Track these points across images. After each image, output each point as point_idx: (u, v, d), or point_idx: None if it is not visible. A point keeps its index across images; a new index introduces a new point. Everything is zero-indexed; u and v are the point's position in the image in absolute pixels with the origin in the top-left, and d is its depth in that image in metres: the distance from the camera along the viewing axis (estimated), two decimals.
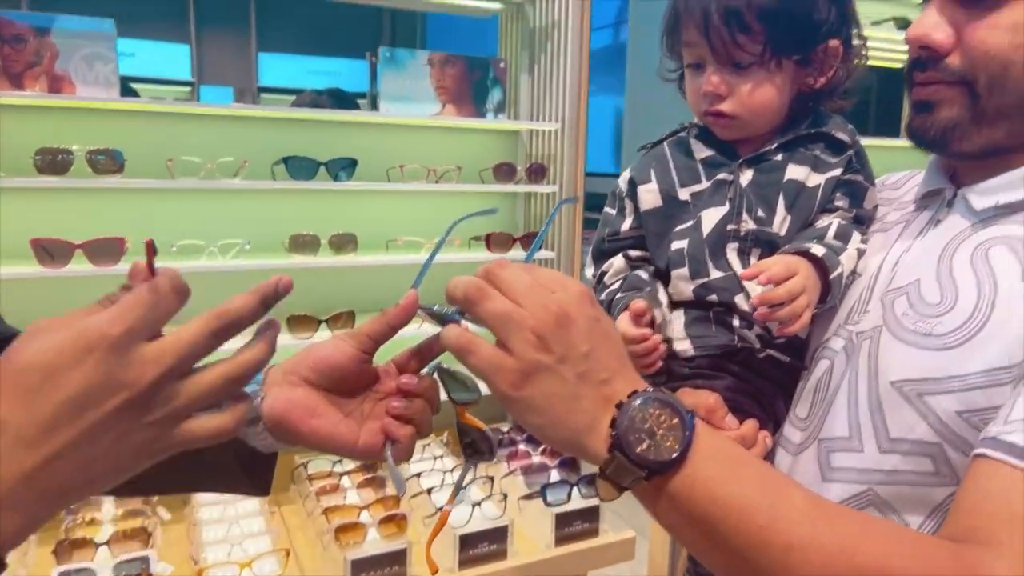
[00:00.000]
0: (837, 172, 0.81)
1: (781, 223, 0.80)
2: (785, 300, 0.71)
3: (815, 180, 0.80)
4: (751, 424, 0.75)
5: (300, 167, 1.77)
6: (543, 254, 2.14)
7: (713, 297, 0.80)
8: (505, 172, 2.07)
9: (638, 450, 0.48)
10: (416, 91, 2.00)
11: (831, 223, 0.79)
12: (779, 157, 0.81)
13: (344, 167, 1.87)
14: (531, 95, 2.23)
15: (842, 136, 0.82)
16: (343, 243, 1.88)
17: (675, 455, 0.48)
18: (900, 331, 0.67)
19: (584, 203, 3.97)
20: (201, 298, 0.51)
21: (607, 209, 0.94)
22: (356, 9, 2.05)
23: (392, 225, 2.05)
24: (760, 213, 0.80)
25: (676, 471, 0.49)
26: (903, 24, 2.53)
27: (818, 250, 0.74)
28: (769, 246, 0.80)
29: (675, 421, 0.49)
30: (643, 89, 3.52)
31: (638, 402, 0.50)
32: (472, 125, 2.12)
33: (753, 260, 0.79)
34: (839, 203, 0.81)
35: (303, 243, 1.81)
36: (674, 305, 0.83)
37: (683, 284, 0.81)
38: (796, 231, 0.80)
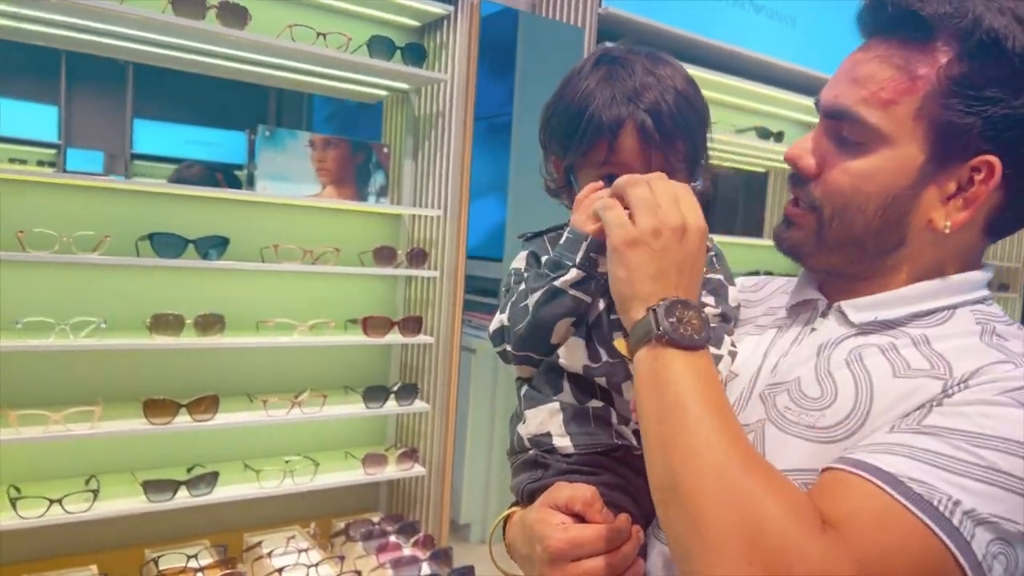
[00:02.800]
0: None
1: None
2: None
3: None
4: (624, 518, 0.75)
5: (167, 244, 1.69)
6: (422, 338, 2.12)
7: (602, 381, 0.80)
8: (385, 255, 2.06)
9: (668, 322, 0.63)
10: (296, 171, 1.98)
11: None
12: None
13: (215, 245, 1.80)
14: (415, 180, 2.26)
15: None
16: (209, 324, 1.79)
17: (688, 341, 0.62)
18: (784, 424, 0.69)
19: (465, 286, 3.99)
20: (48, 377, 0.46)
21: (509, 287, 0.91)
22: (241, 82, 2.04)
23: (264, 306, 1.98)
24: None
25: (672, 347, 0.62)
26: (763, 133, 2.78)
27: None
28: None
29: (700, 328, 0.64)
30: (525, 175, 3.64)
31: (681, 305, 0.64)
32: (353, 208, 2.11)
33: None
34: (706, 300, 0.84)
35: (166, 323, 1.71)
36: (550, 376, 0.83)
37: (577, 355, 0.81)
38: None
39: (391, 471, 2.11)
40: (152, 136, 5.81)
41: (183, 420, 1.75)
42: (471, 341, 3.63)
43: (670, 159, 0.80)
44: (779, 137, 2.83)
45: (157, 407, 1.68)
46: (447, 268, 2.13)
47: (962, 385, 0.62)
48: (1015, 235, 3.79)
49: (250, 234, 1.94)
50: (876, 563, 0.54)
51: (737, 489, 0.57)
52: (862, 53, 0.70)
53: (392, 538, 2.07)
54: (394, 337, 2.07)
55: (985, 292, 0.73)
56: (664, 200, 0.66)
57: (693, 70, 2.42)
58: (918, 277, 0.71)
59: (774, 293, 0.90)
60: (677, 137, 0.79)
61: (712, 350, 0.77)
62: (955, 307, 0.70)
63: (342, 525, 2.07)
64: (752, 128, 2.79)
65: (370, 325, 2.00)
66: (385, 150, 2.14)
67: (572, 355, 0.81)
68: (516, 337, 0.82)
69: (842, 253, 0.72)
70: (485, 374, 3.61)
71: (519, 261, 0.91)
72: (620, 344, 0.71)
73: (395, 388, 2.09)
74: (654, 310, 0.64)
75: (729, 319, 0.86)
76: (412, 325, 2.09)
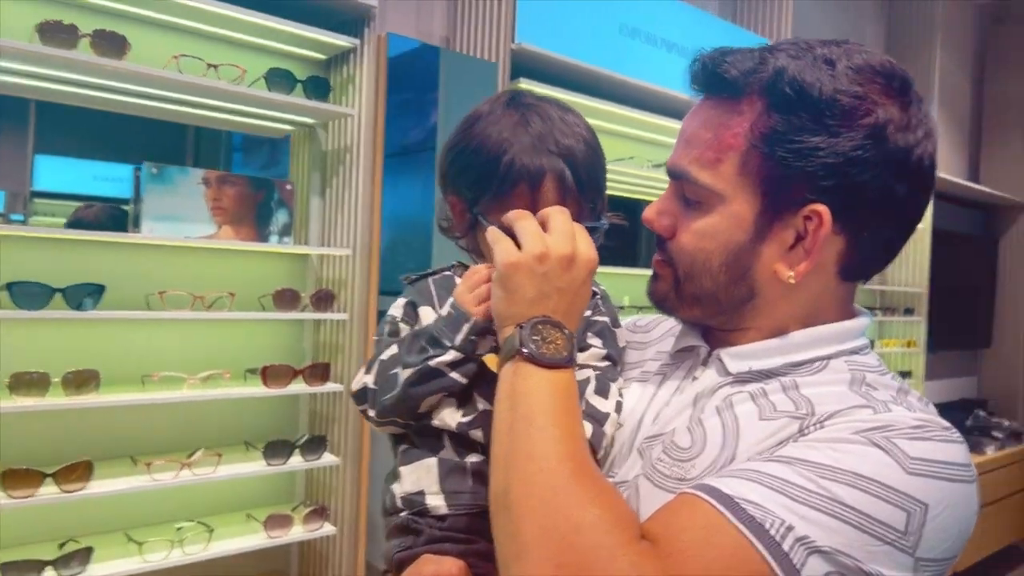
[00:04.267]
0: (587, 313, 0.83)
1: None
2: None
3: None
4: None
5: (28, 295, 1.52)
6: (330, 386, 1.98)
7: (478, 434, 0.76)
8: (287, 299, 1.92)
9: (530, 340, 0.65)
10: (187, 210, 1.83)
11: (588, 377, 0.79)
12: None
13: (89, 293, 1.63)
14: (323, 218, 2.14)
15: (592, 287, 0.83)
16: (82, 381, 1.61)
17: (548, 359, 0.65)
18: (657, 477, 0.69)
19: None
20: None
21: (383, 335, 0.87)
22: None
23: (149, 359, 1.81)
24: None
25: (531, 363, 0.65)
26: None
27: (586, 431, 0.73)
28: None
29: (563, 347, 0.66)
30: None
31: (549, 325, 0.67)
32: (253, 249, 1.97)
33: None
34: (592, 342, 0.83)
35: (28, 382, 1.53)
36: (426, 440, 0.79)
37: (449, 415, 0.77)
38: None
39: (298, 532, 1.95)
40: (56, 173, 5.50)
41: (50, 491, 1.56)
42: None
43: (582, 207, 0.80)
44: None
45: (17, 478, 1.49)
46: (357, 310, 2.01)
47: (818, 424, 0.62)
48: (917, 259, 3.92)
49: (133, 280, 1.78)
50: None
51: (561, 494, 0.57)
52: (692, 115, 0.73)
53: None
54: (299, 386, 1.93)
55: (861, 342, 0.73)
56: (556, 230, 0.69)
57: (607, 106, 2.38)
58: (781, 326, 0.72)
59: (664, 336, 0.89)
60: (589, 185, 0.80)
61: (597, 401, 0.78)
62: (830, 357, 0.71)
63: None
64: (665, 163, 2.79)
65: (270, 375, 1.85)
66: (288, 187, 2.02)
67: (447, 418, 0.77)
68: (381, 405, 0.77)
69: (700, 307, 0.74)
70: None
71: (396, 308, 0.86)
72: (491, 360, 0.73)
73: (300, 441, 1.94)
74: (520, 327, 0.66)
75: (616, 362, 0.85)
76: (318, 372, 1.95)
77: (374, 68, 2.00)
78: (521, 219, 0.70)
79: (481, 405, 0.76)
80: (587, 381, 0.79)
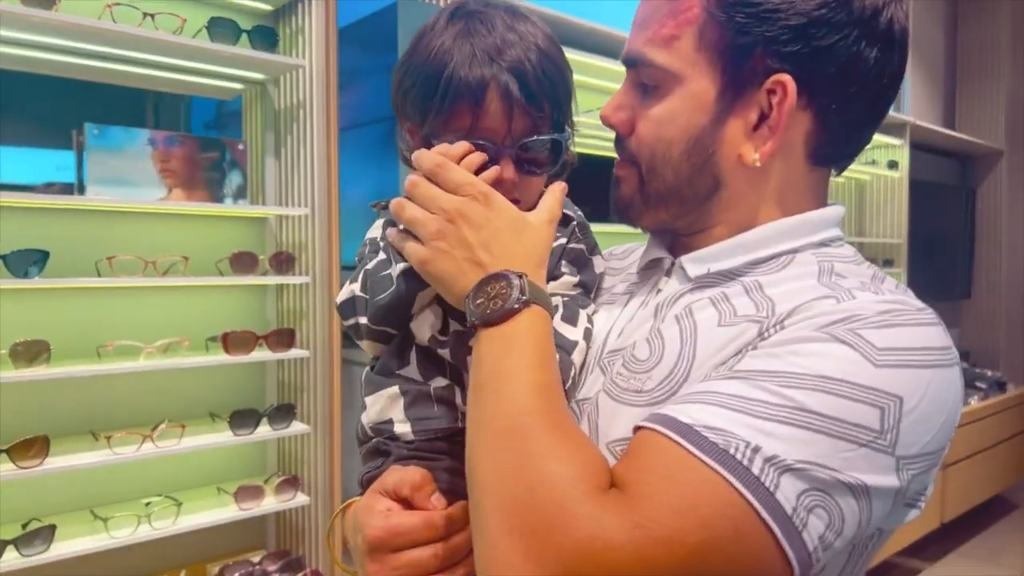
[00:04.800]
0: (562, 241, 0.80)
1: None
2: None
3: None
4: (461, 505, 0.67)
5: None
6: (295, 352, 1.92)
7: (446, 354, 0.74)
8: (245, 262, 1.85)
9: (476, 307, 0.62)
10: (135, 174, 1.75)
11: (556, 304, 0.76)
12: None
13: (34, 261, 1.56)
14: (278, 179, 2.06)
15: (567, 211, 0.81)
16: (33, 353, 1.54)
17: (496, 315, 0.60)
18: (616, 391, 0.66)
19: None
20: None
21: (364, 257, 0.82)
22: (122, 94, 1.82)
23: (102, 328, 1.74)
24: None
25: (484, 327, 0.61)
26: None
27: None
28: None
29: (508, 295, 0.61)
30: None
31: (490, 280, 0.62)
32: (207, 211, 1.89)
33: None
34: (564, 270, 0.80)
35: None
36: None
37: (428, 325, 0.75)
38: None
39: (270, 503, 1.89)
40: (16, 164, 5.34)
41: (7, 468, 1.49)
42: (365, 355, 3.43)
43: (536, 122, 0.72)
44: None
45: None
46: (319, 272, 1.94)
47: (778, 326, 0.58)
48: (896, 209, 3.89)
49: (81, 247, 1.70)
50: (661, 524, 0.48)
51: (520, 454, 0.53)
52: None
53: None
54: (263, 353, 1.86)
55: (832, 232, 0.68)
56: (450, 181, 0.65)
57: (578, 55, 2.29)
58: (749, 220, 0.67)
59: (633, 257, 0.85)
60: (542, 98, 0.72)
61: (565, 329, 0.74)
62: (796, 251, 0.66)
63: (216, 570, 1.84)
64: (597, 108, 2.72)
65: (231, 342, 1.78)
66: (240, 147, 1.94)
67: (423, 325, 0.74)
68: (375, 308, 0.74)
69: (665, 207, 0.69)
70: None
71: (374, 230, 0.83)
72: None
73: (268, 411, 1.87)
74: (467, 299, 0.63)
75: (589, 288, 0.82)
76: (282, 338, 1.88)
77: (324, 17, 1.91)
78: (400, 210, 0.66)
79: (453, 327, 0.73)
80: (555, 308, 0.75)
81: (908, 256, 3.93)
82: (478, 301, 0.61)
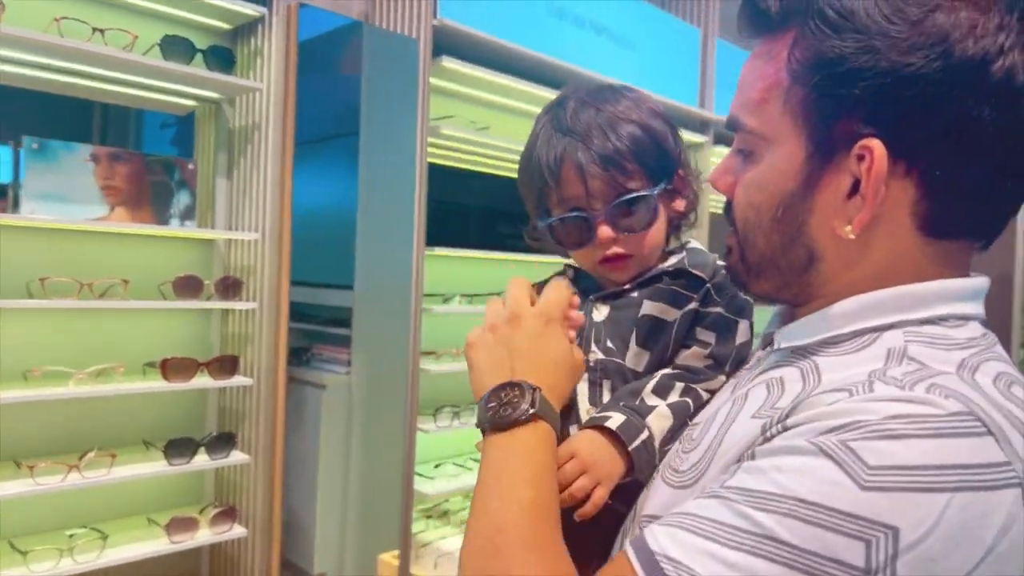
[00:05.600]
0: (694, 306, 0.80)
1: (635, 357, 0.80)
2: (563, 484, 0.69)
3: (672, 315, 0.80)
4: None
5: None
6: (238, 380, 1.86)
7: None
8: (189, 286, 1.79)
9: (487, 409, 0.65)
10: (75, 190, 1.68)
11: (656, 377, 0.78)
12: (635, 294, 0.81)
13: None
14: (229, 201, 2.01)
15: (697, 272, 0.81)
16: None
17: (505, 422, 0.64)
18: (663, 466, 0.67)
19: (311, 317, 3.69)
20: None
21: None
22: (67, 104, 1.75)
23: (30, 352, 1.66)
24: (610, 344, 0.80)
25: (491, 433, 0.64)
26: None
27: (614, 421, 0.73)
28: (620, 377, 0.80)
29: (519, 404, 0.64)
30: (374, 194, 3.44)
31: (508, 387, 0.66)
32: (151, 232, 1.83)
33: (605, 391, 0.79)
34: (703, 337, 0.80)
35: None
36: None
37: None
38: (655, 365, 0.80)
39: (205, 535, 1.83)
40: None
41: None
42: (322, 376, 3.36)
43: (619, 184, 0.77)
44: None
45: None
46: (267, 298, 1.89)
47: (779, 426, 0.52)
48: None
49: (12, 266, 1.62)
50: None
51: (491, 569, 0.55)
52: (746, 61, 0.64)
53: None
54: (203, 380, 1.80)
55: (948, 309, 0.56)
56: (507, 296, 0.72)
57: (532, 87, 2.29)
58: (851, 296, 0.59)
59: None
60: (622, 161, 0.76)
61: (649, 398, 0.75)
62: (883, 329, 0.56)
63: None
64: None
65: (171, 368, 1.72)
66: (191, 167, 1.88)
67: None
68: None
69: (765, 277, 0.64)
70: (337, 411, 3.34)
71: None
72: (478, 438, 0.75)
73: (206, 439, 1.81)
74: (481, 400, 0.66)
75: (722, 358, 0.80)
76: (225, 365, 1.83)
77: (284, 40, 1.88)
78: (488, 304, 0.75)
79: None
80: (649, 381, 0.77)
81: None
82: (491, 404, 0.65)
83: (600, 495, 0.70)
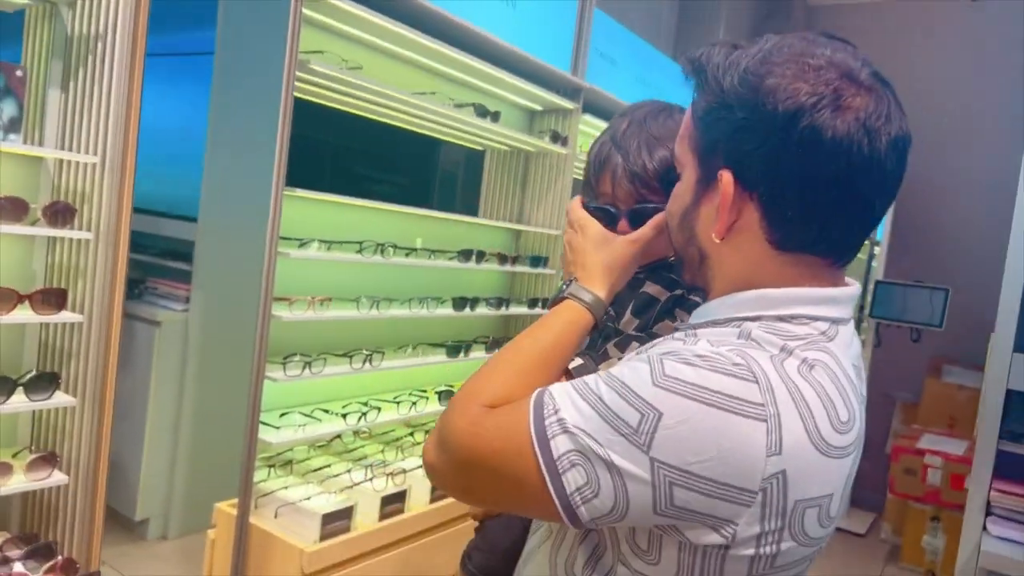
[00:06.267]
0: (680, 292, 1.01)
1: (627, 323, 1.01)
2: None
3: (663, 296, 1.01)
4: None
5: None
6: (66, 315, 1.70)
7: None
8: (12, 208, 1.60)
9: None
10: None
11: (622, 335, 1.00)
12: (641, 275, 1.02)
13: None
14: (62, 116, 1.79)
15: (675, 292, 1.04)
16: None
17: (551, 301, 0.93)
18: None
19: (151, 248, 3.43)
20: None
21: None
22: None
23: None
24: (612, 311, 1.00)
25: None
26: (481, 111, 2.72)
27: (575, 363, 0.94)
28: (616, 334, 1.01)
29: (558, 295, 0.93)
30: (227, 120, 3.20)
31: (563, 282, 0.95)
32: None
33: (609, 345, 1.00)
34: (679, 316, 1.00)
35: None
36: None
37: None
38: (640, 330, 1.01)
39: (19, 482, 1.67)
40: None
41: None
42: (156, 312, 3.13)
43: (642, 193, 0.99)
44: (495, 117, 2.79)
45: None
46: (105, 229, 1.73)
47: (645, 350, 0.75)
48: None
49: None
50: (486, 429, 0.73)
51: (479, 372, 0.82)
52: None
53: (18, 565, 1.65)
54: (25, 314, 1.62)
55: (800, 310, 0.73)
56: (574, 216, 1.00)
57: (405, 30, 2.20)
58: (728, 289, 0.77)
59: None
60: (648, 178, 0.98)
61: (601, 358, 0.98)
62: (749, 320, 0.73)
63: None
64: (471, 104, 2.72)
65: None
66: (19, 73, 1.66)
67: None
68: None
69: (684, 268, 0.85)
70: (171, 350, 3.15)
71: None
72: None
73: (24, 378, 1.64)
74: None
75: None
76: (52, 299, 1.66)
77: None
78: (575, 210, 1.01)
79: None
80: (617, 337, 1.01)
81: None
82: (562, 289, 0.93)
83: None
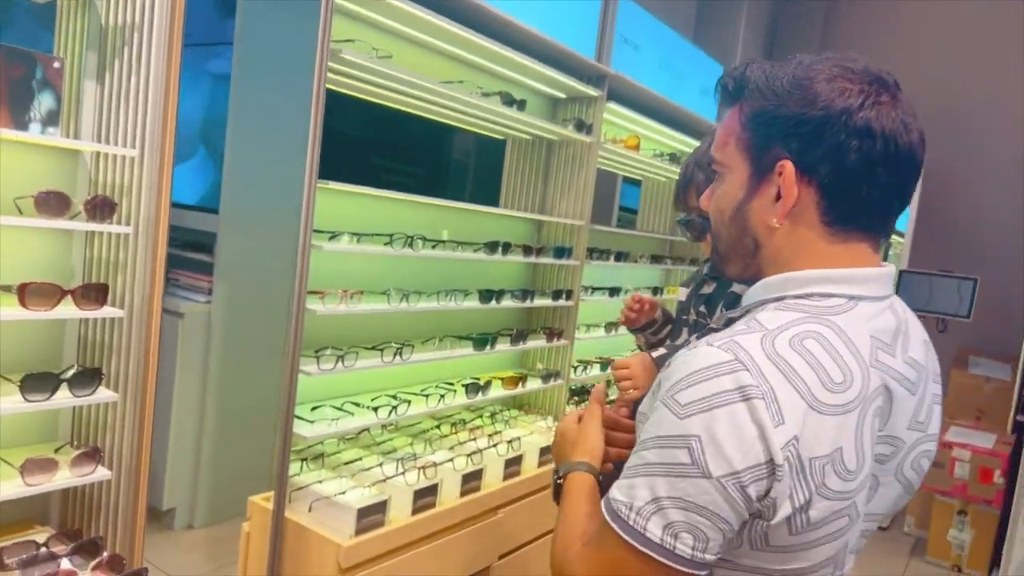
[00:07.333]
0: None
1: (718, 319, 1.07)
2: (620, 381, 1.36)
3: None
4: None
5: None
6: (108, 311, 1.68)
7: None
8: (54, 203, 1.58)
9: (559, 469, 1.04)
10: None
11: (706, 330, 1.20)
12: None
13: None
14: (98, 108, 1.77)
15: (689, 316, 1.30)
16: None
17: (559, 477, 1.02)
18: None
19: (174, 240, 3.42)
20: None
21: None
22: None
23: None
24: (704, 311, 1.19)
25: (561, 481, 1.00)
26: (508, 100, 2.69)
27: (658, 351, 1.08)
28: (705, 330, 1.09)
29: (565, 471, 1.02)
30: (247, 112, 3.18)
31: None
32: (6, 137, 1.58)
33: (692, 337, 1.10)
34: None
35: None
36: None
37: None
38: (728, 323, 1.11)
39: (64, 477, 1.67)
40: None
41: None
42: (179, 304, 3.12)
43: (683, 206, 1.32)
44: (522, 105, 2.77)
45: None
46: (144, 223, 1.71)
47: (660, 386, 0.81)
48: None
49: None
50: (597, 564, 0.80)
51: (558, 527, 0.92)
52: (720, 121, 0.95)
53: (65, 562, 1.64)
54: (68, 310, 1.61)
55: (814, 289, 0.83)
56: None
57: (437, 19, 2.16)
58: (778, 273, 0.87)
59: None
60: (684, 193, 1.31)
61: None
62: (773, 300, 0.84)
63: None
64: (497, 93, 2.69)
65: (31, 293, 1.52)
66: (56, 65, 1.64)
67: None
68: None
69: (732, 262, 0.92)
70: (195, 341, 3.14)
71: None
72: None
73: (69, 374, 1.64)
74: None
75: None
76: (94, 294, 1.65)
77: None
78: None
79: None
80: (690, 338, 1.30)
81: None
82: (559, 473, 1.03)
83: (632, 396, 1.10)
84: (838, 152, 0.81)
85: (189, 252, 3.40)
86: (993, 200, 4.65)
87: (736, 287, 1.15)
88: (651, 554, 0.73)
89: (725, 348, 0.76)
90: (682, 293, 1.52)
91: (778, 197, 0.85)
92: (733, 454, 0.72)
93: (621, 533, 0.75)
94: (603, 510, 0.79)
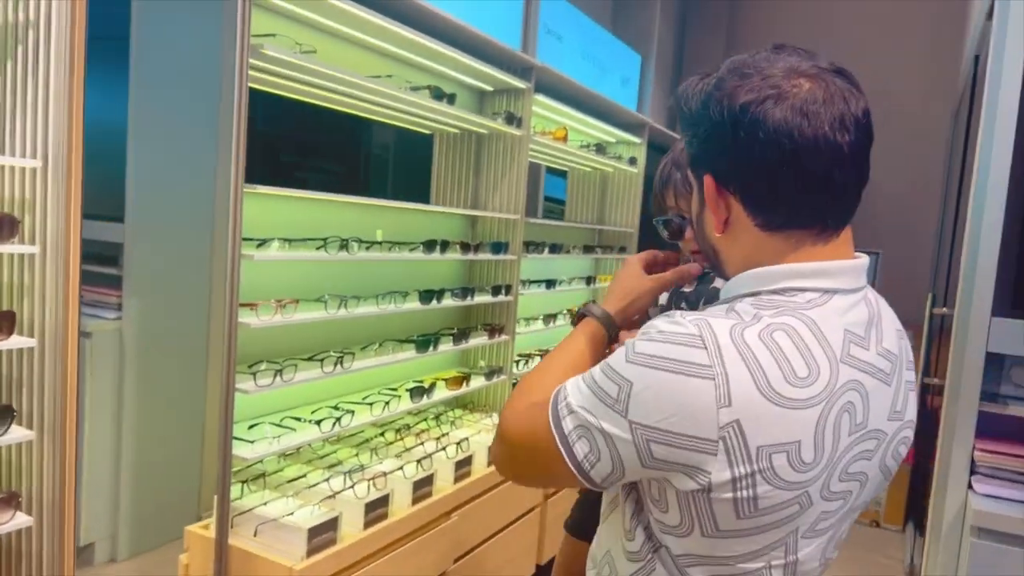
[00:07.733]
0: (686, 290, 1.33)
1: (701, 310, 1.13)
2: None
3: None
4: None
5: None
6: (16, 340, 1.51)
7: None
8: None
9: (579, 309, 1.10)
10: None
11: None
12: (711, 274, 1.23)
13: None
14: None
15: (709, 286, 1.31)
16: None
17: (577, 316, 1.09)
18: None
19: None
20: None
21: None
22: None
23: None
24: (692, 302, 1.28)
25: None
26: (437, 94, 2.60)
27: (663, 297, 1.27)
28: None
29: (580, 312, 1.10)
30: (148, 111, 2.95)
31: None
32: None
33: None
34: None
35: None
36: None
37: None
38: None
39: None
40: None
41: None
42: (87, 323, 2.88)
43: (662, 207, 1.36)
44: (451, 99, 2.68)
45: None
46: (53, 241, 1.54)
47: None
48: (630, 201, 4.29)
49: None
50: (522, 418, 0.90)
51: (526, 380, 0.99)
52: None
53: None
54: None
55: (785, 284, 0.83)
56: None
57: (363, 12, 2.06)
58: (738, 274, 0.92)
59: None
60: (667, 193, 1.35)
61: None
62: (748, 295, 0.85)
63: None
64: (427, 87, 2.60)
65: None
66: None
67: None
68: None
69: (717, 269, 0.96)
70: (106, 362, 2.92)
71: None
72: None
73: None
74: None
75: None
76: None
77: None
78: None
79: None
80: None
81: (639, 244, 4.36)
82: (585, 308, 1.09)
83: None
84: (736, 159, 0.82)
85: (93, 265, 3.14)
86: (887, 175, 4.91)
87: (718, 282, 1.15)
88: (556, 438, 0.83)
89: (694, 323, 0.79)
90: (663, 297, 1.51)
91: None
92: (651, 411, 0.77)
93: (549, 410, 0.85)
94: (559, 387, 0.87)
